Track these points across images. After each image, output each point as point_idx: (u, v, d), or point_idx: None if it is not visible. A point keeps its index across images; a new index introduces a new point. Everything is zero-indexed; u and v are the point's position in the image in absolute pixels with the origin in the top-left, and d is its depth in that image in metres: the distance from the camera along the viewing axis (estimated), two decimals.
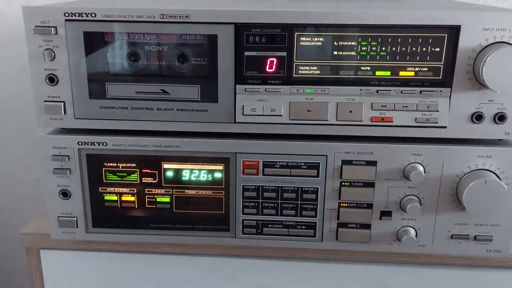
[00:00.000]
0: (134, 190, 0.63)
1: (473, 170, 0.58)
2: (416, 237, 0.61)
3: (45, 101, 0.59)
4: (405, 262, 0.65)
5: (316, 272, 0.68)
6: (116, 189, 0.64)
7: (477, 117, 0.57)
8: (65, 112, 0.60)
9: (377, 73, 0.57)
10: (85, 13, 0.56)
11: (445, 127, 0.57)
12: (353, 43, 0.56)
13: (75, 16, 0.56)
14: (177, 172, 0.63)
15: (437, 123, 0.57)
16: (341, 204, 0.61)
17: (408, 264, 0.66)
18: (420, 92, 0.56)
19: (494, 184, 0.56)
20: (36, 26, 0.57)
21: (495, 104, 0.56)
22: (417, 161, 0.59)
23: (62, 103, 0.59)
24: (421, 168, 0.58)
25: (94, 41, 0.58)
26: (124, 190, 0.63)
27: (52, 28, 0.56)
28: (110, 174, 0.63)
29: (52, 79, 0.59)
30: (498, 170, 0.58)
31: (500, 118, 0.56)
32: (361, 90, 0.57)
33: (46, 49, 0.57)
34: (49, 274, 0.72)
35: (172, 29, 0.56)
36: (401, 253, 0.64)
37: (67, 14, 0.56)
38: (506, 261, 0.63)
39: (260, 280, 0.70)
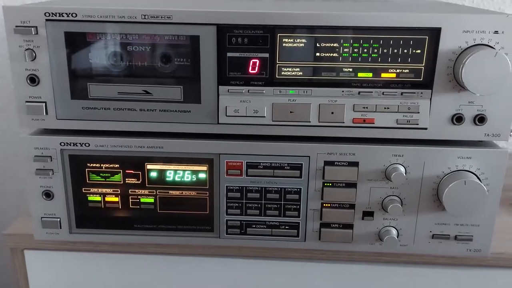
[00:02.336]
0: (117, 191, 0.63)
1: (453, 171, 0.59)
2: (397, 237, 0.61)
3: (26, 101, 0.59)
4: (387, 261, 0.66)
5: (300, 271, 0.69)
6: (100, 190, 0.63)
7: (457, 119, 0.57)
8: (46, 113, 0.59)
9: (359, 74, 0.57)
10: (66, 13, 0.56)
11: (426, 128, 0.58)
12: (335, 45, 0.56)
13: (56, 16, 0.56)
14: (161, 173, 0.63)
15: (418, 124, 0.57)
16: (324, 205, 0.62)
17: (390, 263, 0.66)
18: (401, 93, 0.57)
19: (473, 185, 0.56)
20: (16, 26, 0.56)
21: (475, 106, 0.57)
22: (398, 162, 0.59)
23: (44, 104, 0.59)
24: (402, 169, 0.59)
25: (76, 42, 0.57)
26: (108, 190, 0.63)
27: (33, 28, 0.56)
28: (94, 175, 0.63)
29: (33, 80, 0.58)
30: (478, 171, 0.58)
31: (480, 119, 0.57)
32: (343, 91, 0.57)
33: (27, 49, 0.57)
34: (34, 274, 0.72)
35: (154, 29, 0.56)
36: (383, 253, 0.64)
37: (47, 14, 0.56)
38: (486, 260, 0.64)
39: (245, 280, 0.70)
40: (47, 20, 0.56)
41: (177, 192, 0.63)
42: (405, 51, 0.56)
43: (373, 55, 0.56)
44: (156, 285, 0.71)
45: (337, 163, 0.60)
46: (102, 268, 0.71)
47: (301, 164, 0.60)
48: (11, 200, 1.05)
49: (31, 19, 0.56)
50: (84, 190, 0.63)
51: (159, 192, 0.63)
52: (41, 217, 0.64)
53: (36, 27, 0.56)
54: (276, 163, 0.60)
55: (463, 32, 0.54)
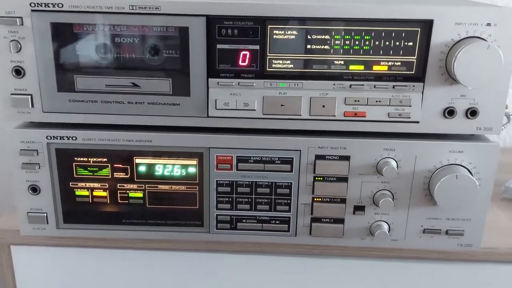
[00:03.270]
0: (106, 185, 0.62)
1: (445, 165, 0.58)
2: (389, 231, 0.61)
3: (11, 94, 0.58)
4: (378, 256, 0.66)
5: (291, 266, 0.68)
6: (88, 184, 0.62)
7: (449, 112, 0.57)
8: (32, 106, 0.58)
9: (351, 67, 0.56)
10: (52, 3, 0.54)
11: (417, 122, 0.57)
12: (326, 37, 0.55)
13: (41, 6, 0.54)
14: (150, 167, 0.62)
15: (409, 118, 0.57)
16: (315, 199, 0.61)
17: (381, 258, 0.66)
18: (393, 86, 0.56)
19: (465, 179, 0.56)
20: (1, 17, 0.55)
21: (467, 99, 0.56)
22: (390, 156, 0.59)
23: (30, 96, 0.58)
24: (394, 163, 0.58)
25: (62, 33, 0.56)
26: (96, 185, 0.62)
27: (18, 19, 0.55)
28: (81, 169, 0.62)
29: (18, 72, 0.57)
30: (469, 165, 0.58)
31: (472, 113, 0.56)
32: (334, 84, 0.57)
33: (12, 40, 0.56)
34: (20, 270, 0.71)
35: (142, 20, 0.55)
36: (374, 248, 0.64)
37: (33, 4, 0.54)
38: (477, 255, 0.64)
39: (235, 275, 0.69)
40: (32, 10, 0.55)
41: (166, 187, 0.62)
42: (397, 43, 0.55)
43: (364, 47, 0.55)
44: (145, 281, 0.70)
45: (328, 157, 0.59)
46: (90, 263, 0.70)
47: (292, 158, 0.60)
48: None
49: (16, 10, 0.55)
50: (72, 184, 0.62)
51: (148, 186, 0.62)
52: (28, 212, 0.63)
53: (21, 17, 0.55)
54: (267, 157, 0.60)
55: (455, 25, 0.53)
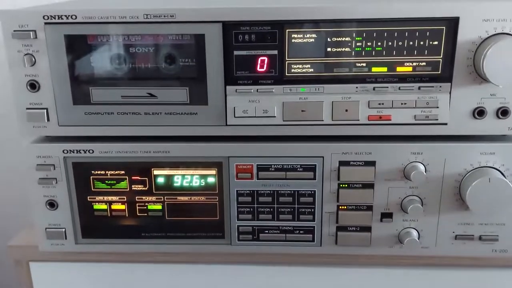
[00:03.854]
0: (124, 198, 0.61)
1: (476, 168, 0.56)
2: (418, 238, 0.59)
3: (27, 108, 0.57)
4: (408, 264, 0.63)
5: (316, 277, 0.66)
6: (105, 198, 0.61)
7: (479, 113, 0.54)
8: (48, 119, 0.57)
9: (373, 69, 0.54)
10: (65, 16, 0.54)
11: (445, 123, 0.55)
12: (347, 39, 0.53)
13: (55, 18, 0.54)
14: (168, 178, 0.60)
15: (437, 120, 0.55)
16: (340, 207, 0.59)
17: (411, 266, 0.64)
18: (419, 88, 0.54)
19: (498, 182, 0.54)
20: (14, 31, 0.54)
21: (497, 98, 0.54)
22: (417, 160, 0.56)
23: (45, 110, 0.57)
24: (422, 167, 0.56)
25: (76, 45, 0.55)
26: (114, 198, 0.61)
27: (31, 32, 0.54)
28: (99, 183, 0.61)
29: (33, 85, 0.56)
30: (502, 167, 0.56)
31: (503, 113, 0.54)
32: (357, 87, 0.55)
33: (26, 54, 0.55)
34: (39, 287, 0.70)
35: (157, 29, 0.54)
36: (403, 256, 0.61)
37: (46, 17, 0.54)
38: None
39: (258, 287, 0.67)
40: (46, 23, 0.54)
41: (186, 198, 0.61)
42: (422, 43, 0.53)
43: (387, 48, 0.53)
44: None
45: (353, 163, 0.57)
46: (110, 278, 0.69)
47: (315, 165, 0.58)
48: (16, 209, 1.03)
49: (29, 23, 0.54)
50: (89, 198, 0.61)
51: (166, 198, 0.61)
52: (46, 228, 0.62)
53: (35, 31, 0.54)
54: (288, 164, 0.58)
55: (482, 21, 0.51)
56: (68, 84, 0.56)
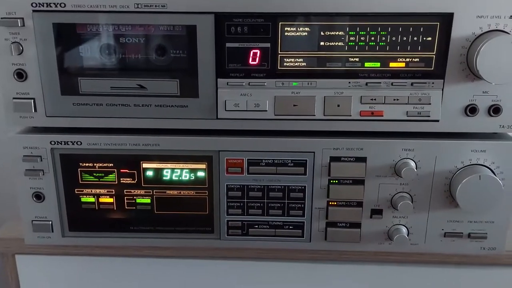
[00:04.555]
0: (112, 191, 0.60)
1: (467, 165, 0.56)
2: (408, 235, 0.58)
3: (13, 98, 0.56)
4: (397, 261, 0.63)
5: (306, 273, 0.66)
6: (93, 191, 0.60)
7: (471, 110, 0.54)
8: (35, 110, 0.56)
9: (366, 64, 0.54)
10: (54, 3, 0.52)
11: (437, 120, 0.55)
12: (340, 33, 0.53)
13: (43, 6, 0.53)
14: (157, 171, 0.59)
15: (429, 116, 0.54)
16: (330, 203, 0.59)
17: (400, 263, 0.64)
18: (412, 84, 0.54)
19: (489, 179, 0.54)
20: (1, 18, 0.53)
21: (489, 96, 0.54)
22: (408, 157, 0.56)
23: (32, 100, 0.56)
24: (413, 164, 0.56)
25: (65, 33, 0.54)
26: (102, 191, 0.60)
27: (19, 20, 0.53)
28: (86, 175, 0.60)
29: (20, 75, 0.55)
30: (493, 165, 0.56)
31: (495, 110, 0.54)
32: (349, 82, 0.54)
33: (13, 42, 0.54)
34: (26, 280, 0.69)
35: (147, 19, 0.53)
36: (392, 252, 0.61)
37: (34, 5, 0.52)
38: (501, 259, 0.61)
39: (247, 282, 0.67)
40: (34, 11, 0.53)
41: (175, 192, 0.60)
42: (415, 38, 0.52)
43: (380, 43, 0.53)
44: None
45: (344, 158, 0.57)
46: (97, 272, 0.68)
47: (306, 160, 0.57)
48: (1, 201, 1.02)
49: (17, 10, 0.53)
50: (77, 191, 0.60)
51: (155, 192, 0.60)
52: (32, 220, 0.61)
53: (23, 18, 0.53)
54: (279, 159, 0.57)
55: (477, 18, 0.51)
56: (56, 74, 0.55)
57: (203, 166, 0.59)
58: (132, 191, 0.60)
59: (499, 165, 0.56)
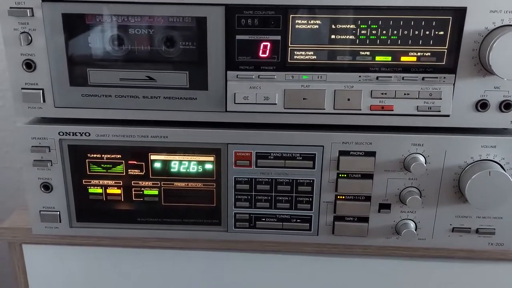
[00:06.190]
0: (120, 183, 0.60)
1: (476, 161, 0.56)
2: (415, 230, 0.58)
3: (22, 88, 0.56)
4: (404, 255, 0.63)
5: (312, 266, 0.66)
6: (101, 182, 0.60)
7: (482, 105, 0.54)
8: (44, 100, 0.56)
9: (377, 58, 0.53)
10: None
11: (448, 115, 0.54)
12: (351, 26, 0.52)
13: None
14: (165, 163, 0.59)
15: (439, 111, 0.54)
16: (338, 197, 0.58)
17: (406, 257, 0.64)
18: (423, 78, 0.53)
19: (498, 175, 0.53)
20: (10, 8, 0.53)
21: (501, 91, 0.53)
22: (418, 152, 0.56)
23: (41, 91, 0.56)
24: (422, 159, 0.55)
25: (74, 24, 0.54)
26: (110, 182, 0.60)
27: (28, 10, 0.52)
28: (94, 166, 0.60)
29: (29, 65, 0.55)
30: (502, 161, 0.55)
31: (506, 106, 0.54)
32: (360, 76, 0.54)
33: (22, 32, 0.53)
34: (33, 269, 0.69)
35: (158, 11, 0.53)
36: (399, 247, 0.61)
37: None
38: (509, 254, 0.61)
39: (254, 275, 0.67)
40: (43, 0, 0.52)
41: (183, 184, 0.60)
42: (427, 32, 0.52)
43: (392, 37, 0.52)
44: (161, 281, 0.68)
45: (353, 152, 0.56)
46: (104, 263, 0.68)
47: (315, 154, 0.57)
48: (9, 191, 1.02)
49: (26, 0, 0.52)
50: (85, 182, 0.60)
51: (163, 184, 0.60)
52: (40, 211, 0.61)
53: (32, 8, 0.53)
54: (288, 153, 0.57)
55: (490, 12, 0.50)
56: (65, 65, 0.55)
57: (211, 158, 0.59)
58: (139, 182, 0.60)
59: (509, 161, 0.55)
